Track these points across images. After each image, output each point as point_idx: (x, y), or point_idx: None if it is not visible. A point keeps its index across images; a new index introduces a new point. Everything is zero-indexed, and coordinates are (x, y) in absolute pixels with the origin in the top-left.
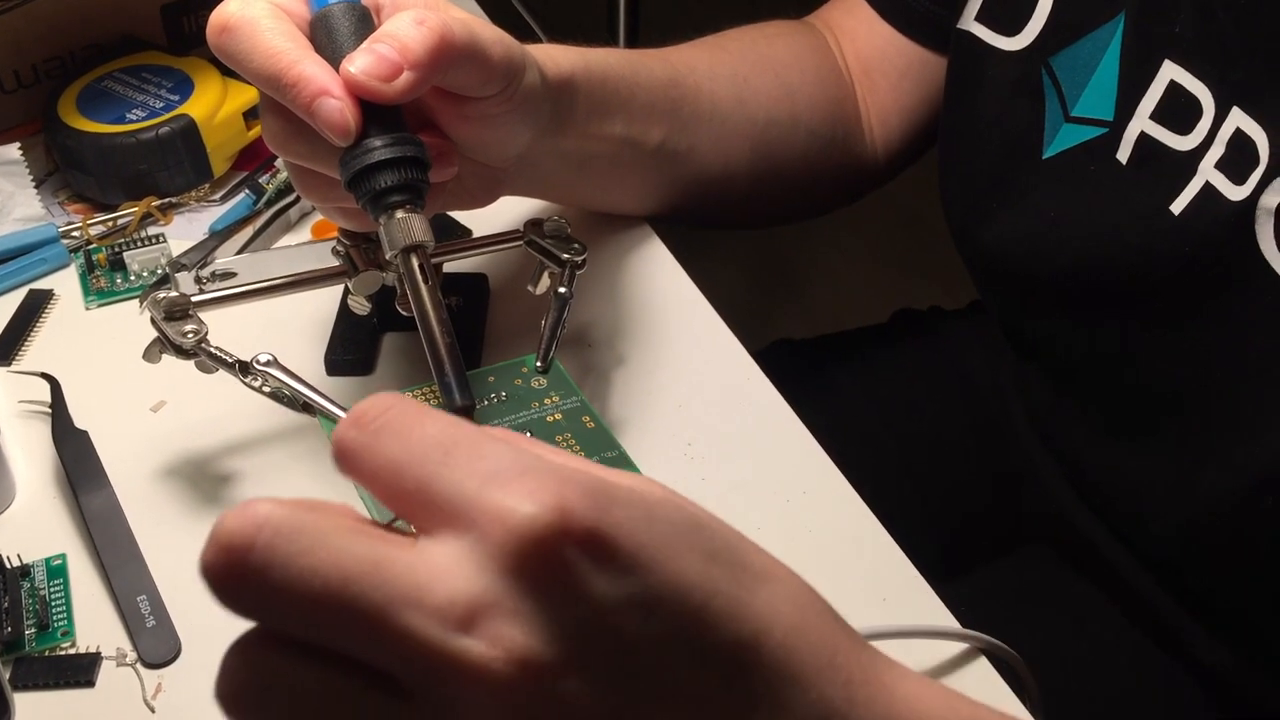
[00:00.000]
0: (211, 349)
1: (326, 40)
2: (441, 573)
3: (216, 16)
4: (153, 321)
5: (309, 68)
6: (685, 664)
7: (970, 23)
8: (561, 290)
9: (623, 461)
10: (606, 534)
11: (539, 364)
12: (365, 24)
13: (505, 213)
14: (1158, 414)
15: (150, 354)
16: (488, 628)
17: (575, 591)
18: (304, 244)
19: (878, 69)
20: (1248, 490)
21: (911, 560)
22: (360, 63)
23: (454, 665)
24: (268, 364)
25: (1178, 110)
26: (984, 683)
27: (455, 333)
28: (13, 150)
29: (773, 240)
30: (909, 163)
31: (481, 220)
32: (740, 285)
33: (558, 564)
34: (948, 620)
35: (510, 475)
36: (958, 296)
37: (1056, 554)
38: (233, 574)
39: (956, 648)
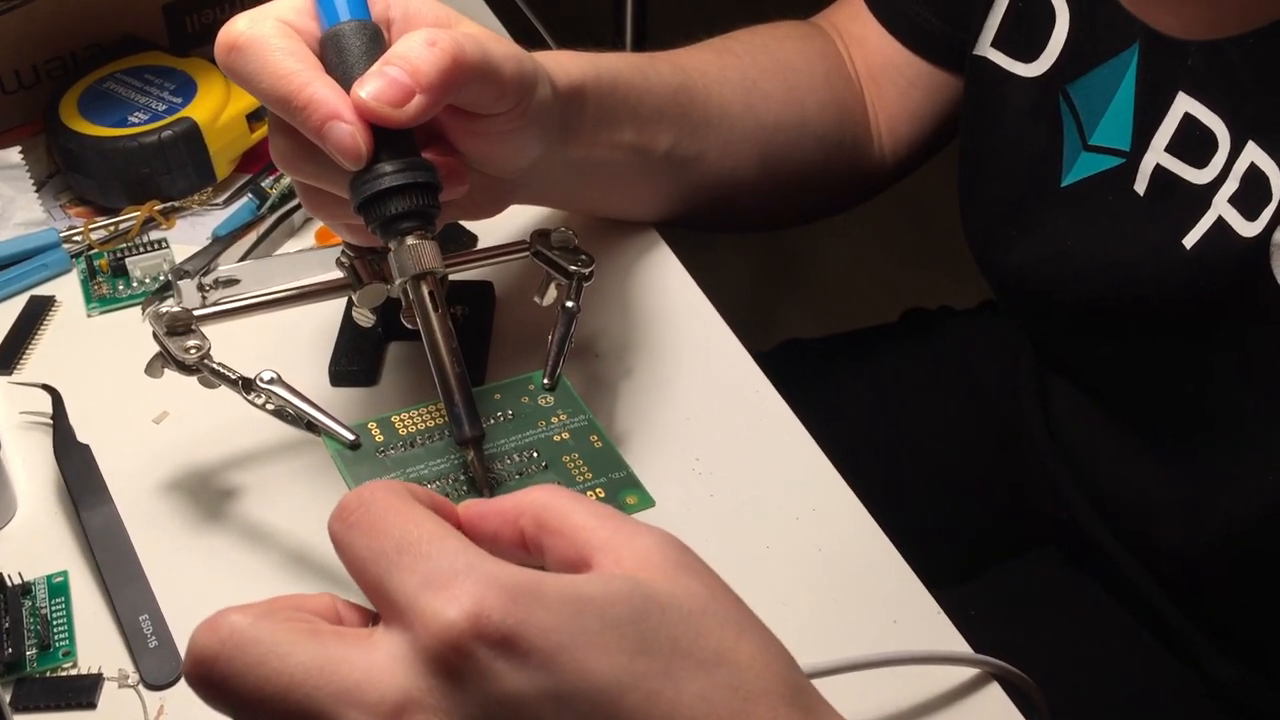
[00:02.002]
0: (214, 365)
1: (337, 60)
2: (378, 671)
3: (225, 35)
4: (155, 337)
5: (319, 90)
6: None
7: (986, 48)
8: (569, 304)
9: (630, 482)
10: (521, 635)
11: (546, 381)
12: (376, 43)
13: (510, 218)
14: (1177, 435)
15: (153, 369)
16: None
17: (486, 688)
18: (307, 250)
19: (885, 77)
20: (1263, 515)
21: (921, 563)
22: (371, 87)
23: None
24: (271, 382)
25: (1193, 143)
26: (995, 708)
27: (461, 342)
28: (13, 154)
29: (779, 232)
30: (918, 165)
31: (487, 225)
32: (746, 279)
33: (471, 664)
34: (959, 643)
35: (444, 580)
36: (967, 290)
37: (1066, 558)
38: (202, 684)
39: (968, 672)
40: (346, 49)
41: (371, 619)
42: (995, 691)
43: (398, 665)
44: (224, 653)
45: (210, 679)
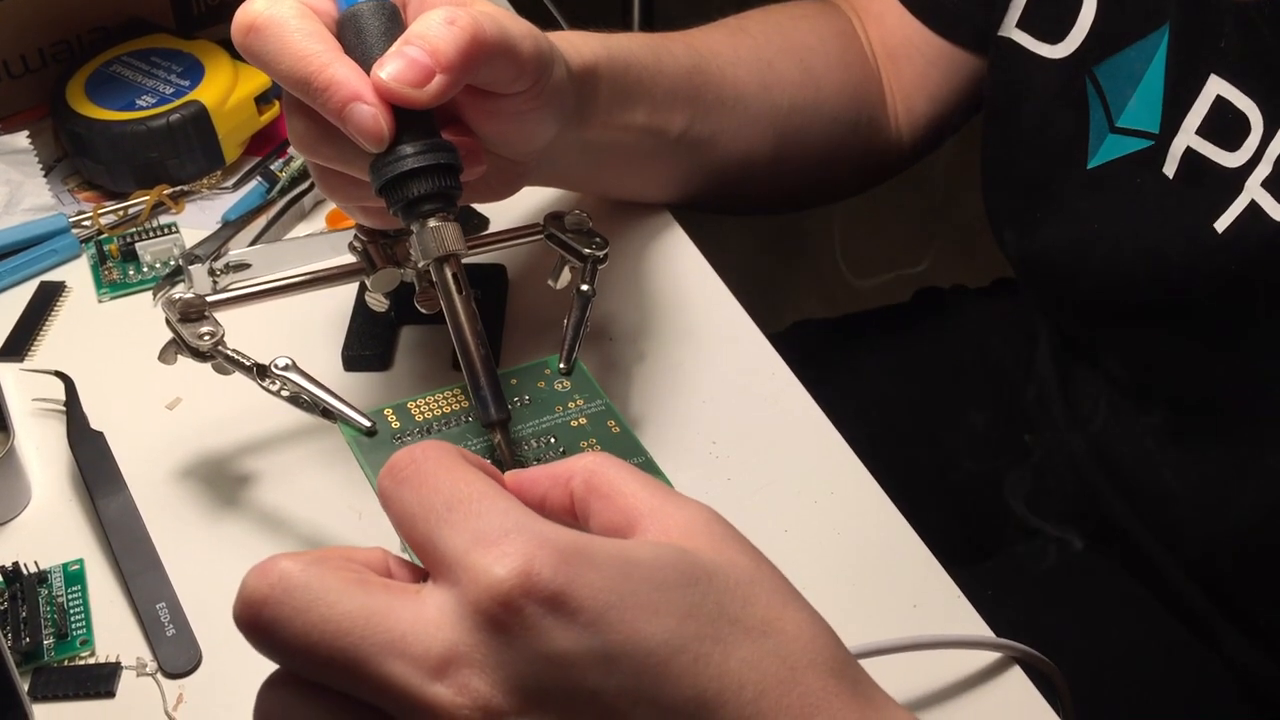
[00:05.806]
0: (228, 351)
1: (355, 41)
2: (425, 624)
3: (242, 16)
4: (168, 323)
5: (340, 71)
6: (645, 716)
7: (1011, 29)
8: (584, 288)
9: (649, 468)
10: (571, 594)
11: (562, 365)
12: (394, 23)
13: (522, 200)
14: (1201, 420)
15: (166, 355)
16: (457, 677)
17: (535, 646)
18: (318, 234)
19: (904, 56)
20: None
21: (938, 544)
22: (391, 68)
23: (428, 709)
24: (286, 368)
25: (1225, 126)
26: (1017, 691)
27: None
28: (21, 139)
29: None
30: (934, 147)
31: (499, 207)
32: (757, 257)
33: (519, 621)
34: (980, 626)
35: (494, 537)
36: (979, 269)
37: (1084, 538)
38: (251, 627)
39: (989, 656)
40: (365, 29)
41: (422, 577)
42: (1017, 675)
43: (445, 619)
44: (273, 596)
45: (258, 623)
